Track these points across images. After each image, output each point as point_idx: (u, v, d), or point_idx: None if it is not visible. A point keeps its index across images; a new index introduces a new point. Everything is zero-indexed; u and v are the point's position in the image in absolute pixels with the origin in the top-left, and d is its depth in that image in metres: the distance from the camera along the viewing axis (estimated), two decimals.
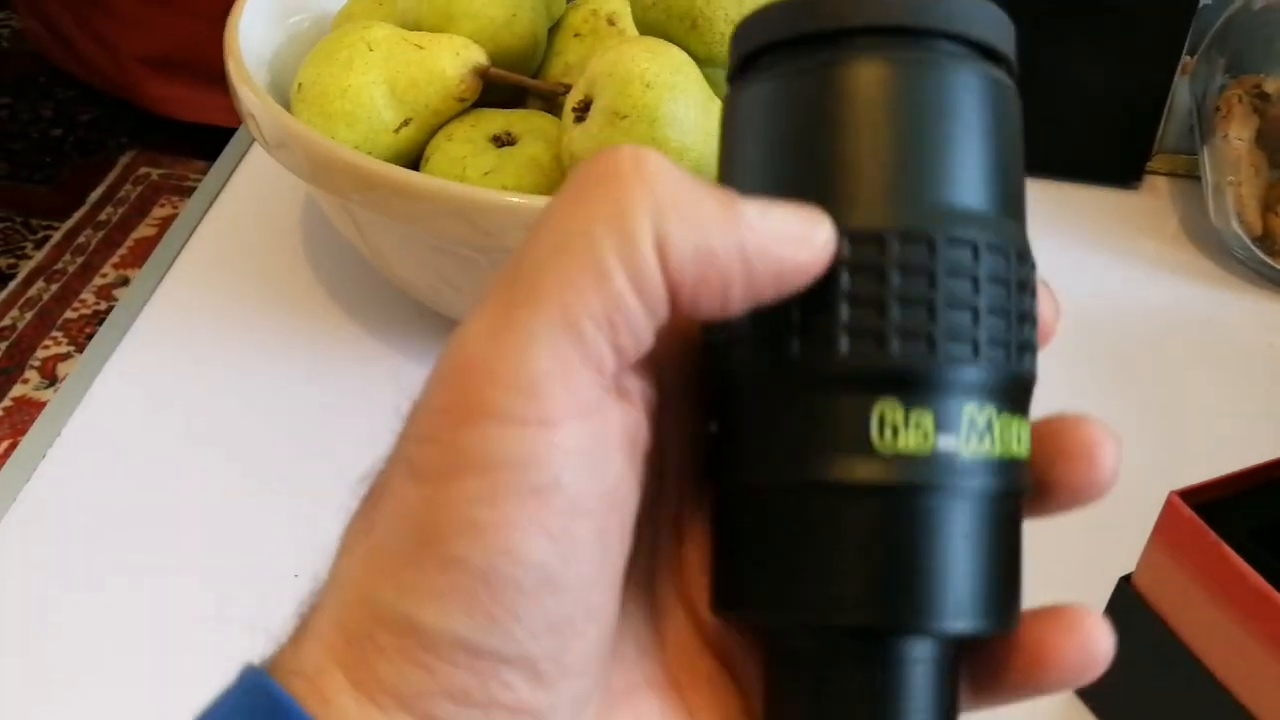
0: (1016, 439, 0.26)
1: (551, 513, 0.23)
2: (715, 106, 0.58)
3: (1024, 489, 0.27)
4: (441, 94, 0.61)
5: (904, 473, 0.25)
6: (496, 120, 0.62)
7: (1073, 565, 0.56)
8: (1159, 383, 0.71)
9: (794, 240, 0.25)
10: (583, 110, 0.57)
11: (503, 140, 0.61)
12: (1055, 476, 0.28)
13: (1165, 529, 0.48)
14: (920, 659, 0.26)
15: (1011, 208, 0.27)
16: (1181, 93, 0.85)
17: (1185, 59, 0.82)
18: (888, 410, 0.25)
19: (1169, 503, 0.48)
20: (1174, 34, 0.81)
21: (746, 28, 0.28)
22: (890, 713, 0.26)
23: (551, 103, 0.65)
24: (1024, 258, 0.27)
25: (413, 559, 0.24)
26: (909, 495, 0.25)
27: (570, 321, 0.24)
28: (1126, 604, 0.50)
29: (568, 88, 0.61)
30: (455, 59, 0.61)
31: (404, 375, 0.67)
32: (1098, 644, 0.28)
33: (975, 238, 0.25)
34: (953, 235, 0.25)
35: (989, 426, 0.25)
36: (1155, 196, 0.87)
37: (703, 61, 0.58)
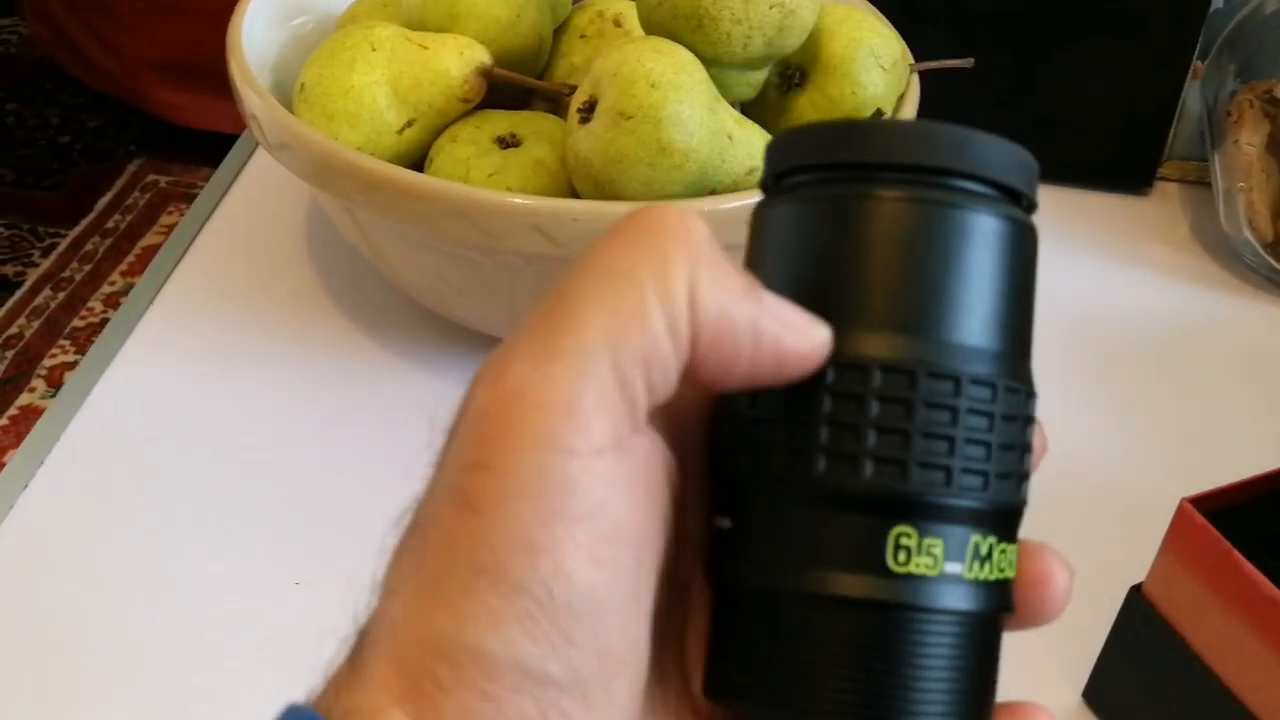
0: (1009, 562, 0.28)
1: (597, 538, 0.25)
2: (721, 107, 0.57)
3: (1011, 607, 0.29)
4: (445, 95, 0.61)
5: (911, 593, 0.27)
6: (501, 121, 0.62)
7: (1084, 575, 0.55)
8: (1169, 390, 0.71)
9: (799, 331, 0.27)
10: (588, 111, 0.57)
11: (507, 142, 0.61)
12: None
13: (1177, 537, 0.48)
14: None
15: (1018, 345, 0.28)
16: (1192, 98, 0.84)
17: (1196, 64, 0.82)
18: (904, 535, 0.27)
19: (1180, 510, 0.47)
20: (1185, 39, 0.80)
21: (783, 143, 0.30)
22: None
23: (557, 104, 0.65)
24: (1031, 393, 0.29)
25: (469, 587, 0.24)
26: (912, 612, 0.27)
27: (613, 354, 0.25)
28: (1138, 613, 0.50)
29: (573, 89, 0.60)
30: (459, 59, 0.61)
31: (407, 379, 0.67)
32: None
33: (994, 378, 0.27)
34: (975, 375, 0.27)
35: (990, 554, 0.27)
36: (1166, 203, 0.86)
37: (709, 62, 0.58)
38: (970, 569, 0.27)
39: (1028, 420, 0.29)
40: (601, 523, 0.25)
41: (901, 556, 0.26)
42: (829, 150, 0.29)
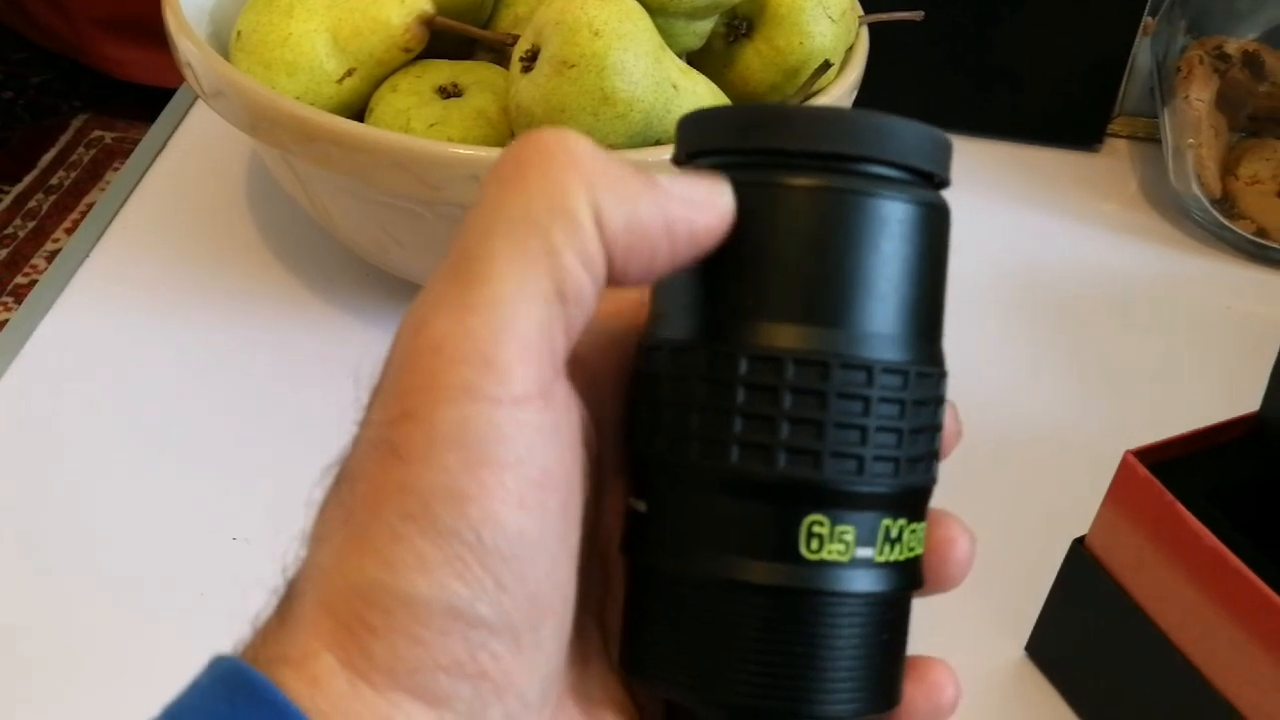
0: (918, 540, 0.29)
1: (525, 484, 0.25)
2: (666, 57, 0.56)
3: (919, 583, 0.29)
4: (386, 44, 0.60)
5: (823, 579, 0.27)
6: (443, 71, 0.61)
7: (1026, 529, 0.56)
8: (1116, 345, 0.71)
9: (706, 207, 0.27)
10: (530, 60, 0.56)
11: (449, 92, 0.60)
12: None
13: (1120, 489, 0.48)
14: None
15: (930, 328, 0.29)
16: (1143, 54, 0.84)
17: (1147, 20, 0.82)
18: (816, 524, 0.27)
19: (1124, 462, 0.47)
20: None
21: (694, 122, 0.30)
22: None
23: (500, 54, 0.64)
24: (943, 374, 0.29)
25: (399, 534, 0.24)
26: (824, 597, 0.27)
27: (529, 301, 0.25)
28: (1080, 566, 0.50)
29: (516, 39, 0.59)
30: (401, 7, 0.60)
31: (348, 333, 0.66)
32: (943, 692, 0.30)
33: (906, 365, 0.27)
34: (887, 364, 0.27)
35: (900, 535, 0.28)
36: (1115, 159, 0.86)
37: (654, 11, 0.57)
38: (881, 552, 0.27)
39: (939, 402, 0.29)
40: (528, 469, 0.25)
41: (814, 544, 0.27)
42: (738, 135, 0.28)
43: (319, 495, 0.26)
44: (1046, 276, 0.75)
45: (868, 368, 0.27)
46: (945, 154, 0.29)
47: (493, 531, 0.24)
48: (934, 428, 0.29)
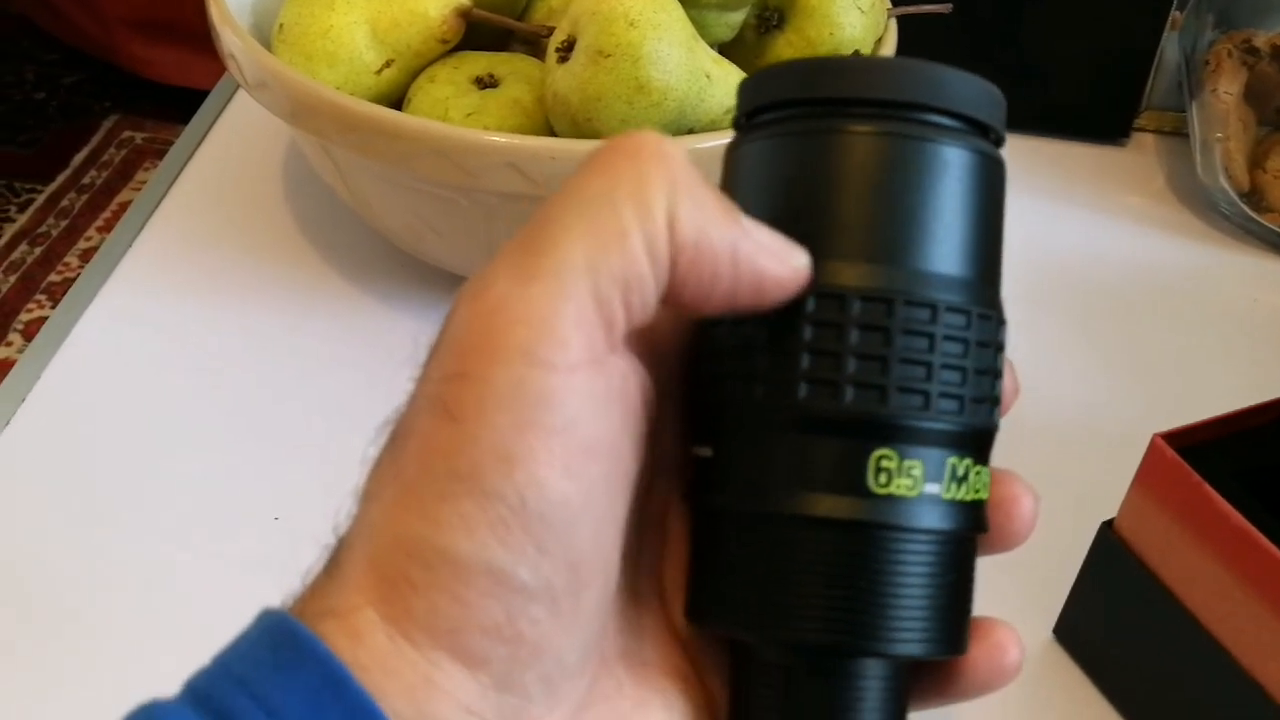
0: (984, 484, 0.29)
1: (570, 451, 0.25)
2: (700, 47, 0.57)
3: (985, 527, 0.30)
4: (424, 35, 0.61)
5: (892, 513, 0.27)
6: (479, 62, 0.62)
7: (1056, 511, 0.56)
8: (1144, 335, 0.71)
9: (777, 256, 0.27)
10: (566, 50, 0.57)
11: (485, 82, 0.61)
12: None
13: (1148, 471, 0.48)
14: (876, 676, 0.29)
15: (989, 274, 0.29)
16: (1170, 48, 0.85)
17: (1174, 14, 0.82)
18: (884, 458, 0.27)
19: (1152, 445, 0.48)
20: None
21: (755, 81, 0.30)
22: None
23: (535, 46, 0.65)
24: (1002, 321, 0.30)
25: (446, 493, 0.25)
26: (892, 531, 0.27)
27: (592, 274, 0.25)
28: (1108, 549, 0.50)
29: (551, 30, 0.60)
30: (438, 0, 0.61)
31: (385, 320, 0.67)
32: (1006, 653, 0.30)
33: (968, 305, 0.28)
34: (950, 303, 0.28)
35: (966, 475, 0.28)
36: (1142, 153, 0.86)
37: (687, 3, 0.58)
38: (948, 490, 0.28)
39: (999, 347, 0.29)
40: (576, 436, 0.25)
41: (882, 478, 0.27)
42: (802, 87, 0.29)
43: (373, 452, 0.27)
44: (1075, 269, 0.76)
45: (932, 305, 0.27)
46: (1001, 110, 0.30)
47: (537, 496, 0.25)
48: (995, 372, 0.29)
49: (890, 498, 0.27)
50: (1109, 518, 0.51)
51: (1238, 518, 0.44)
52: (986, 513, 0.30)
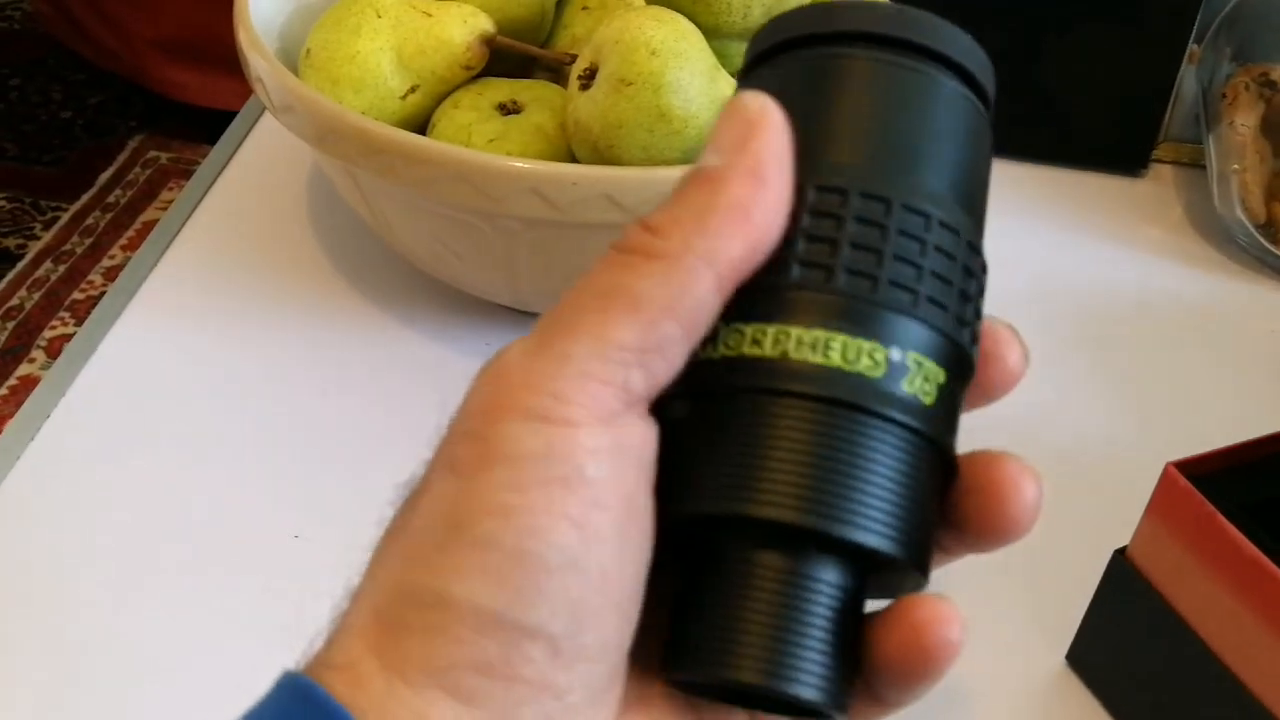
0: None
1: (574, 500, 0.25)
2: (721, 76, 0.58)
3: (934, 437, 0.28)
4: (448, 62, 0.62)
5: (833, 388, 0.27)
6: (503, 89, 0.62)
7: (1068, 539, 0.56)
8: (1160, 365, 0.72)
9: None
10: (588, 78, 0.57)
11: (509, 108, 0.62)
12: (971, 509, 0.29)
13: (1161, 500, 0.48)
14: (828, 580, 0.27)
15: (977, 213, 0.30)
16: (1188, 81, 0.85)
17: (1192, 48, 0.82)
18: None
19: (1165, 473, 0.48)
20: (1181, 22, 0.81)
21: (765, 31, 0.31)
22: (789, 619, 0.27)
23: (558, 73, 0.66)
24: (985, 266, 0.30)
25: (444, 543, 0.26)
26: (835, 409, 0.27)
27: (602, 345, 0.26)
28: (1121, 576, 0.51)
29: (574, 58, 0.61)
30: (463, 27, 0.62)
31: (407, 344, 0.68)
32: (944, 627, 0.28)
33: (959, 228, 0.28)
34: (944, 219, 0.28)
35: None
36: (1160, 184, 0.87)
37: (709, 32, 0.59)
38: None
39: (981, 286, 0.30)
40: (579, 486, 0.26)
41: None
42: (823, 23, 0.30)
43: (389, 513, 0.28)
44: (1092, 298, 0.76)
45: (926, 215, 0.28)
46: (993, 81, 0.31)
47: (537, 543, 0.25)
48: (977, 306, 0.29)
49: (858, 375, 0.27)
50: (1122, 545, 0.51)
51: (1249, 547, 0.45)
52: (953, 439, 0.29)
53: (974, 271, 0.29)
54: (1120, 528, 0.51)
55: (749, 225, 0.27)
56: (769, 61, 0.30)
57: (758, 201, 0.27)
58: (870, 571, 0.28)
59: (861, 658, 0.28)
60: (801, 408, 0.27)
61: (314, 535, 0.57)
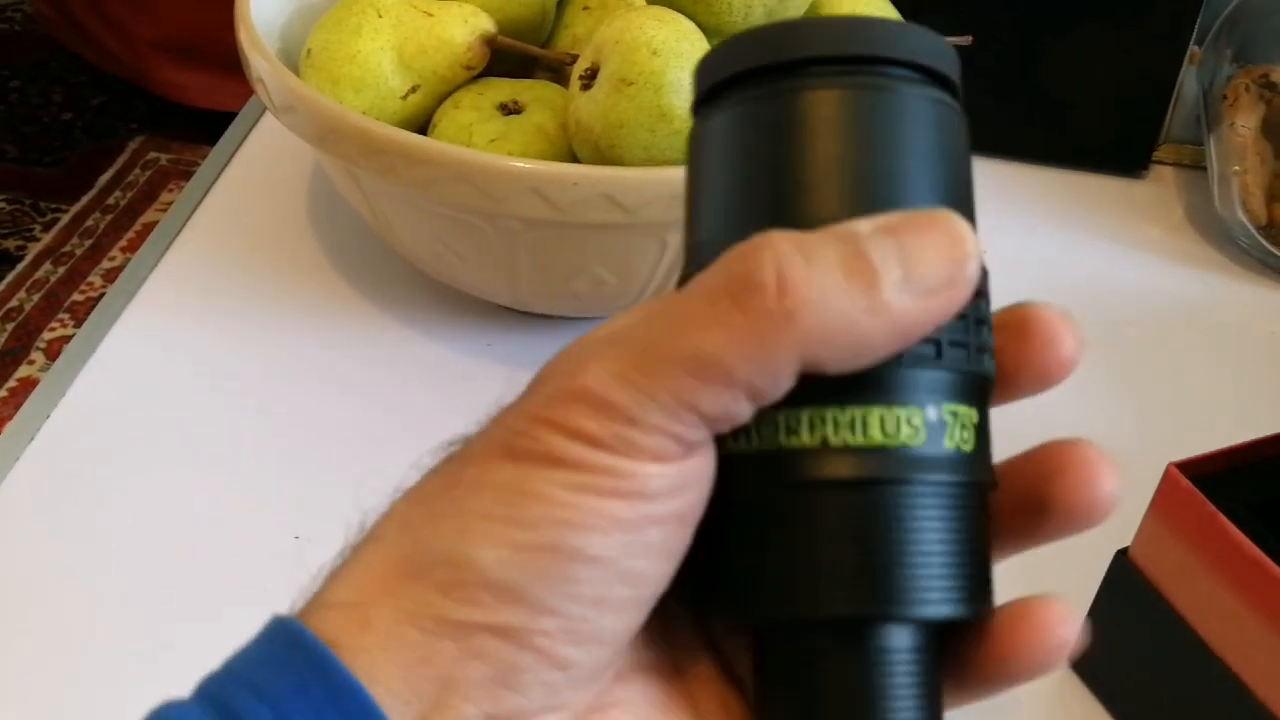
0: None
1: (630, 512, 0.25)
2: None
3: (980, 480, 0.28)
4: (449, 62, 0.62)
5: (880, 467, 0.26)
6: (504, 89, 0.62)
7: (1070, 541, 0.56)
8: (1161, 366, 0.72)
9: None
10: (589, 78, 0.57)
11: (509, 108, 0.62)
12: (1053, 493, 0.29)
13: (1163, 500, 0.48)
14: (899, 648, 0.27)
15: (966, 216, 0.28)
16: (1189, 83, 0.85)
17: (1193, 49, 0.82)
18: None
19: (1167, 474, 0.48)
20: (1182, 24, 0.81)
21: (707, 62, 0.29)
22: (873, 701, 0.27)
23: (559, 73, 0.66)
24: (986, 271, 0.28)
25: (487, 514, 0.25)
26: (884, 488, 0.26)
27: (683, 410, 0.25)
28: (1123, 577, 0.51)
29: (575, 58, 0.61)
30: (464, 27, 0.62)
31: (408, 345, 0.68)
32: (1063, 627, 0.29)
33: None
34: None
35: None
36: (1161, 186, 0.87)
37: (710, 31, 0.59)
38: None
39: (988, 300, 0.29)
40: (639, 504, 0.25)
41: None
42: (761, 53, 0.28)
43: (429, 461, 0.28)
44: (1093, 300, 0.76)
45: None
46: (958, 66, 0.29)
47: (578, 539, 0.25)
48: (989, 322, 0.28)
49: (902, 448, 0.26)
50: (1124, 546, 0.51)
51: (1251, 548, 0.45)
52: (986, 462, 0.28)
53: (983, 289, 0.28)
54: (1122, 528, 0.51)
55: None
56: (721, 101, 0.29)
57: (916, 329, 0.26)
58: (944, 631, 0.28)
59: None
60: (854, 496, 0.26)
61: (314, 535, 0.57)
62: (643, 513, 0.25)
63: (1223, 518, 0.45)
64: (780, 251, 0.25)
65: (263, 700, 0.25)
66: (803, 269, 0.25)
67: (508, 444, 0.26)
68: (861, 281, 0.25)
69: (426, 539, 0.26)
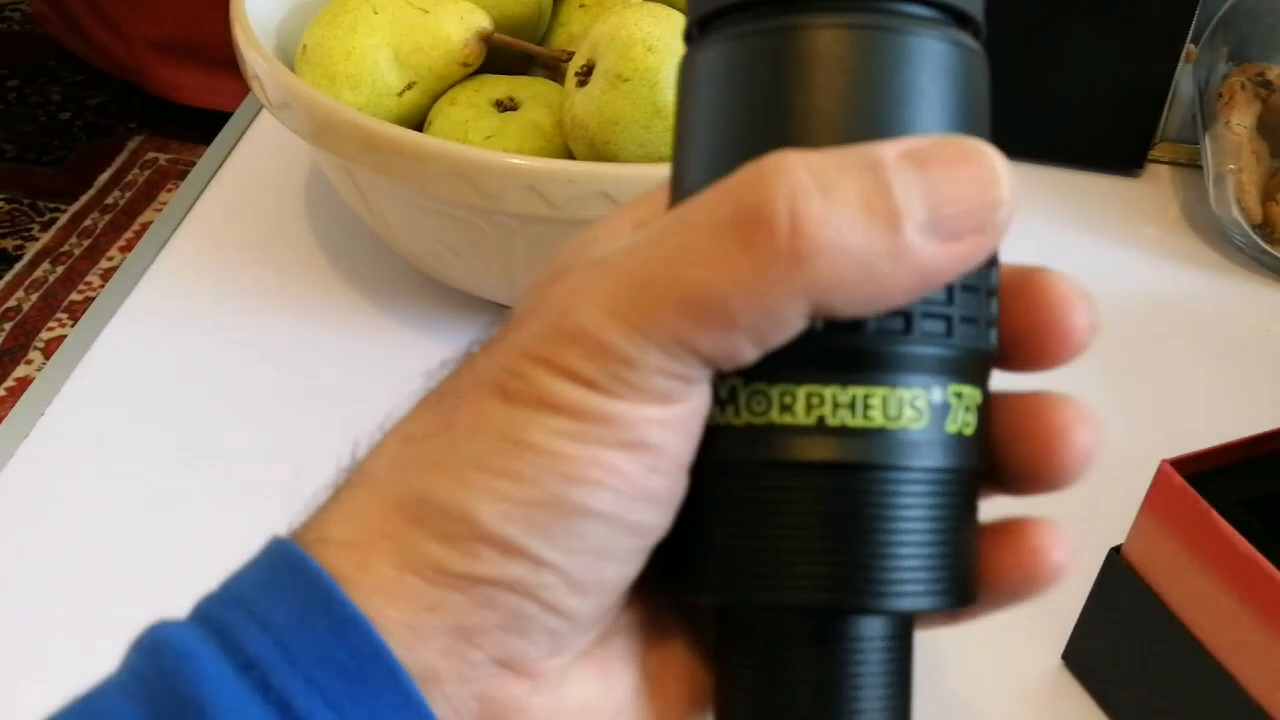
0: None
1: (632, 463, 0.24)
2: None
3: (977, 466, 0.27)
4: (445, 58, 0.62)
5: (878, 453, 0.25)
6: (500, 85, 0.63)
7: (1065, 537, 0.56)
8: (1156, 364, 0.72)
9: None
10: (585, 74, 0.57)
11: (505, 105, 0.62)
12: (1017, 456, 0.28)
13: (1156, 498, 0.48)
14: (872, 636, 0.26)
15: None
16: (1185, 81, 0.85)
17: (1189, 48, 0.82)
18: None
19: (1160, 471, 0.48)
20: (1178, 22, 0.81)
21: None
22: (840, 690, 0.26)
23: (555, 70, 0.66)
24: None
25: (485, 466, 0.24)
26: (878, 474, 0.25)
27: (681, 350, 0.24)
28: (1116, 574, 0.51)
29: (571, 55, 0.61)
30: (460, 24, 0.62)
31: (406, 342, 0.68)
32: (1049, 554, 0.28)
33: None
34: None
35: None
36: (1157, 184, 0.87)
37: None
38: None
39: (998, 268, 0.27)
40: (642, 453, 0.24)
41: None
42: None
43: (417, 391, 0.27)
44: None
45: None
46: (981, 3, 0.28)
47: (580, 494, 0.24)
48: (988, 288, 0.26)
49: (902, 432, 0.25)
50: (1117, 544, 0.51)
51: (1245, 545, 0.45)
52: (977, 447, 0.26)
53: (995, 254, 0.26)
54: (1115, 526, 0.51)
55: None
56: (719, 29, 0.26)
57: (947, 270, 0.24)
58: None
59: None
60: (849, 479, 0.25)
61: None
62: (647, 464, 0.24)
63: (1216, 515, 0.45)
64: (795, 181, 0.23)
65: (266, 630, 0.24)
66: (820, 205, 0.23)
67: (501, 383, 0.25)
68: (883, 221, 0.23)
69: (423, 485, 0.25)
